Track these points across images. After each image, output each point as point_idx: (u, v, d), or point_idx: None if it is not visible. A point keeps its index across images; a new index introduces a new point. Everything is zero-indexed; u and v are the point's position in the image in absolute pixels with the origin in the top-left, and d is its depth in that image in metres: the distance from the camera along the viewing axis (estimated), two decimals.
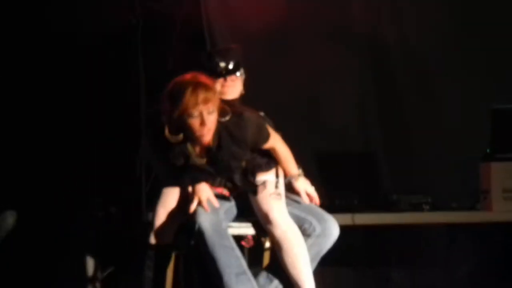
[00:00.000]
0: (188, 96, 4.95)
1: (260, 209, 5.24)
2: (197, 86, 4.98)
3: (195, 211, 5.16)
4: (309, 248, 5.27)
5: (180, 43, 7.61)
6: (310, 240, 5.27)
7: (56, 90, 7.36)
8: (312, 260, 5.29)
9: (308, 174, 6.56)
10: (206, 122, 5.00)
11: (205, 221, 5.10)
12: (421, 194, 7.25)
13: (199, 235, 5.10)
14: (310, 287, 5.19)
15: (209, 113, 5.00)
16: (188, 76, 5.06)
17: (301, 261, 5.16)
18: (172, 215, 5.28)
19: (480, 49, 7.68)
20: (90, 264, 6.49)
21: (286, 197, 5.39)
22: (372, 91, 7.82)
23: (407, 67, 7.78)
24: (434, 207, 7.20)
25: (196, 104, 4.96)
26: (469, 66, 7.66)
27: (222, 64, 5.38)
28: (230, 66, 5.41)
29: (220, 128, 5.15)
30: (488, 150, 7.04)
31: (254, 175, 5.34)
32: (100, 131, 7.34)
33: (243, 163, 5.34)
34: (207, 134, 5.06)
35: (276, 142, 5.41)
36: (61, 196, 6.87)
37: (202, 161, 5.22)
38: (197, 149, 5.20)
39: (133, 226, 7.12)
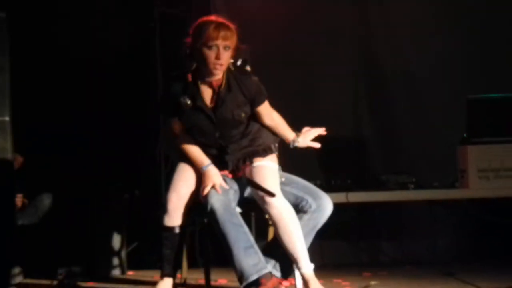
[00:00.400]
0: (211, 30, 5.12)
1: (257, 192, 5.26)
2: (220, 24, 5.15)
3: (200, 191, 5.23)
4: (307, 223, 5.31)
5: None
6: (307, 216, 5.31)
7: (88, 88, 7.35)
8: (309, 232, 5.33)
9: (307, 159, 6.81)
10: (221, 56, 5.09)
11: (216, 202, 5.13)
12: (407, 174, 7.40)
13: (211, 214, 5.12)
14: (304, 259, 5.19)
15: (225, 48, 5.11)
16: (213, 16, 5.24)
17: (296, 237, 5.18)
18: (183, 199, 5.31)
19: (457, 47, 7.75)
20: (117, 239, 6.53)
21: (286, 177, 5.40)
22: (363, 87, 7.92)
23: (394, 65, 7.87)
24: (418, 186, 7.34)
25: (216, 37, 5.10)
26: (448, 62, 7.73)
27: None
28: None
29: (230, 75, 5.24)
30: (464, 135, 7.10)
31: (251, 160, 5.33)
32: (125, 125, 7.32)
33: (243, 116, 5.29)
34: (220, 68, 5.15)
35: (272, 111, 5.42)
36: (94, 181, 6.87)
37: (208, 103, 5.24)
38: (208, 91, 5.26)
39: (153, 206, 7.10)
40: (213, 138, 5.34)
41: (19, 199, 6.80)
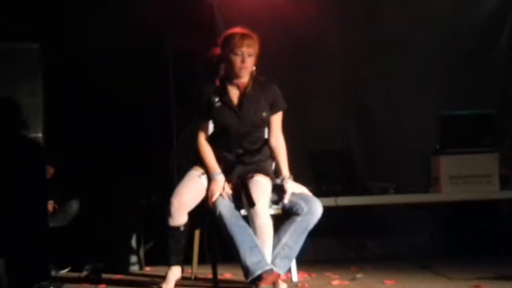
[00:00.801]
0: (237, 39, 5.37)
1: (243, 197, 5.32)
2: (245, 34, 5.38)
3: (209, 197, 5.31)
4: (300, 224, 5.35)
5: (202, 69, 7.26)
6: (300, 218, 5.34)
7: (111, 109, 7.44)
8: (302, 232, 5.36)
9: (300, 167, 6.61)
10: (245, 61, 5.33)
11: (224, 208, 5.24)
12: (388, 181, 7.36)
13: (220, 218, 5.21)
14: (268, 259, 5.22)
15: (249, 55, 5.35)
16: (239, 28, 5.43)
17: (267, 245, 5.22)
18: (184, 204, 5.40)
19: (431, 71, 7.79)
20: (136, 239, 6.56)
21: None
22: (350, 107, 7.88)
23: (376, 88, 7.84)
24: (398, 191, 7.30)
25: (241, 45, 5.34)
26: (423, 84, 7.75)
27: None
28: None
29: (255, 80, 5.44)
30: (437, 147, 7.13)
31: (252, 174, 5.41)
32: (142, 141, 7.41)
33: (264, 115, 5.43)
34: (245, 71, 5.37)
35: (280, 131, 5.54)
36: (115, 189, 6.95)
37: (235, 101, 5.42)
38: (235, 91, 5.45)
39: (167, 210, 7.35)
40: (236, 135, 5.44)
41: (50, 205, 6.90)
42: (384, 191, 7.35)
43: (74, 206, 6.96)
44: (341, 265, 6.49)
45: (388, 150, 7.79)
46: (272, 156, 5.62)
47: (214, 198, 5.30)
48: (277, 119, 5.54)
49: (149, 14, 7.43)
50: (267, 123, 5.53)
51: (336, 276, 5.81)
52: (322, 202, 5.49)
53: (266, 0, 7.64)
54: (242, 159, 5.48)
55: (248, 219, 5.32)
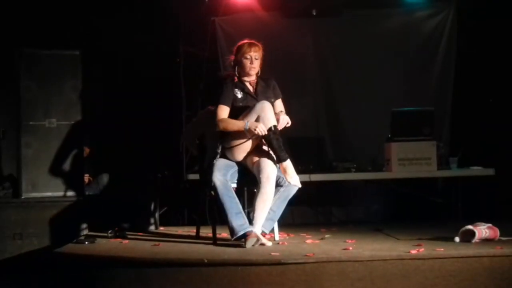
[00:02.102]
0: (246, 47, 5.38)
1: (265, 167, 5.20)
2: (252, 43, 5.39)
3: (212, 174, 5.18)
4: (282, 193, 5.30)
5: (206, 72, 7.63)
6: (282, 188, 5.30)
7: (135, 103, 7.40)
8: (284, 200, 5.32)
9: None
10: (253, 62, 5.37)
11: (217, 180, 5.15)
12: (350, 162, 7.34)
13: (214, 189, 5.16)
14: (260, 222, 5.17)
15: (256, 58, 5.38)
16: (247, 39, 5.43)
17: (266, 206, 5.19)
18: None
19: (385, 74, 7.76)
20: (153, 205, 6.49)
21: None
22: (321, 101, 7.90)
23: (342, 87, 7.87)
24: (358, 170, 7.29)
25: (249, 51, 5.37)
26: (380, 86, 7.73)
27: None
28: None
29: (260, 78, 5.46)
30: (389, 136, 7.10)
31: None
32: (159, 128, 7.35)
33: (272, 101, 5.38)
34: (253, 71, 5.39)
35: (283, 109, 5.49)
36: (139, 166, 6.95)
37: (251, 89, 5.41)
38: (249, 86, 5.42)
39: (177, 182, 7.26)
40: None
41: (86, 177, 6.88)
42: (347, 170, 7.30)
43: (105, 178, 6.96)
44: (313, 227, 6.41)
45: (351, 137, 7.80)
46: None
47: (261, 132, 5.18)
48: (279, 103, 5.54)
49: (167, 28, 7.50)
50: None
51: (309, 236, 5.74)
52: (299, 178, 5.39)
53: (258, 20, 7.64)
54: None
55: (257, 185, 5.23)
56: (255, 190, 5.27)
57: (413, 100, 7.51)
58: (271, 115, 5.24)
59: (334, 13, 7.86)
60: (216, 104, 5.39)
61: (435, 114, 7.22)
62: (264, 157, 5.29)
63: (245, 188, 6.17)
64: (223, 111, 5.35)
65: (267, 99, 5.37)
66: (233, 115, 5.36)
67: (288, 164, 5.29)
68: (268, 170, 5.22)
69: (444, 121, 7.73)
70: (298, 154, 7.16)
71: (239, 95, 5.40)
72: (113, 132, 7.35)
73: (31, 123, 6.33)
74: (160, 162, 7.16)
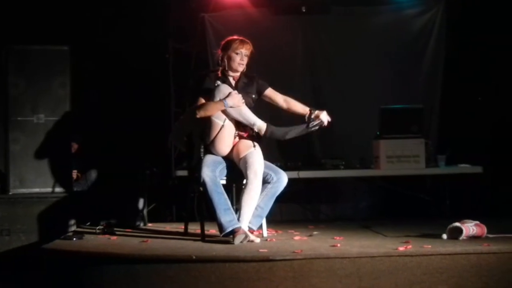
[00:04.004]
0: (237, 42, 5.33)
1: (253, 163, 5.20)
2: (244, 40, 5.37)
3: (201, 169, 5.15)
4: (269, 190, 5.28)
5: (195, 68, 7.63)
6: (270, 185, 5.28)
7: (124, 100, 7.41)
8: (271, 197, 5.30)
9: (271, 148, 6.69)
10: (243, 59, 5.35)
11: (206, 176, 5.12)
12: (339, 159, 7.35)
13: (203, 184, 5.12)
14: (247, 218, 5.17)
15: (246, 55, 5.36)
16: (235, 36, 5.39)
17: (253, 203, 5.20)
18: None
19: (375, 75, 7.79)
20: (141, 201, 6.45)
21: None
22: (310, 99, 7.50)
23: (331, 86, 7.84)
24: (346, 167, 7.32)
25: (242, 47, 5.34)
26: (369, 84, 7.73)
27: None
28: None
29: (243, 74, 5.42)
30: (377, 133, 7.10)
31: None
32: (148, 125, 7.34)
33: (253, 97, 5.41)
34: (241, 67, 5.37)
35: (279, 94, 5.51)
36: (128, 162, 6.85)
37: (232, 84, 5.36)
38: (232, 78, 5.40)
39: (166, 179, 7.28)
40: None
41: (74, 173, 6.88)
42: (335, 167, 7.32)
43: (93, 174, 6.94)
44: (301, 224, 6.39)
45: (340, 134, 7.72)
46: (291, 111, 5.58)
47: (242, 106, 5.24)
48: (271, 91, 5.52)
49: (156, 24, 7.51)
50: (255, 104, 5.48)
51: (297, 233, 5.74)
52: (287, 174, 5.41)
53: (247, 16, 7.66)
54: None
55: (245, 180, 5.24)
56: (243, 187, 5.27)
57: (402, 98, 7.54)
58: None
59: (323, 10, 7.86)
60: (196, 96, 5.36)
61: (423, 112, 7.24)
62: (251, 152, 5.28)
63: (234, 185, 6.13)
64: (201, 100, 5.33)
65: (248, 94, 5.39)
66: None
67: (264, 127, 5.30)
68: (256, 165, 5.22)
69: (432, 118, 7.74)
70: (287, 151, 7.38)
71: (220, 84, 5.35)
72: (102, 128, 7.36)
73: (19, 118, 6.34)
74: (148, 158, 7.13)
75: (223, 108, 5.22)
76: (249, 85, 5.46)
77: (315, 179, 7.26)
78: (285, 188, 5.36)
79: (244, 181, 5.26)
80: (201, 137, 5.40)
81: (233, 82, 5.45)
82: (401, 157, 7.05)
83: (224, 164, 5.37)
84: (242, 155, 5.31)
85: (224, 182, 5.37)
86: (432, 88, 7.88)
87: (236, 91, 5.27)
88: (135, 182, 6.55)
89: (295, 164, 7.16)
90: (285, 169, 5.62)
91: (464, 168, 7.19)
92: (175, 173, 7.18)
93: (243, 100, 5.25)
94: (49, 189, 6.31)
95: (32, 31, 6.92)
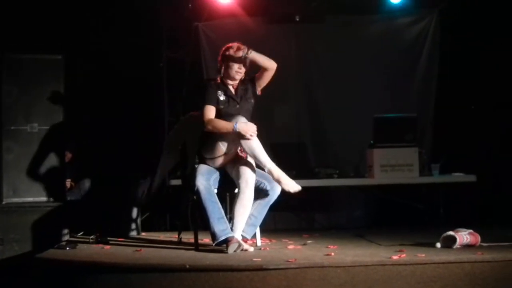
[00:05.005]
0: (235, 50, 5.29)
1: (244, 172, 5.19)
2: (239, 46, 5.31)
3: (195, 178, 5.18)
4: (263, 198, 5.28)
5: (189, 77, 7.65)
6: (263, 194, 5.27)
7: (118, 109, 7.37)
8: (265, 205, 5.31)
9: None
10: (241, 67, 5.30)
11: (201, 185, 5.14)
12: (332, 168, 7.39)
13: (197, 193, 5.14)
14: (240, 227, 5.18)
15: (244, 64, 5.30)
16: (236, 43, 5.35)
17: (246, 212, 5.20)
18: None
19: (368, 81, 7.79)
20: (135, 211, 6.47)
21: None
22: (304, 110, 7.88)
23: (325, 96, 7.88)
24: (340, 176, 7.33)
25: (240, 54, 5.27)
26: (362, 93, 7.75)
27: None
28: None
29: (241, 81, 5.37)
30: (371, 142, 7.12)
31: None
32: (143, 135, 7.32)
33: (252, 102, 5.40)
34: (239, 74, 5.31)
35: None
36: (121, 171, 6.87)
37: (233, 92, 5.33)
38: (232, 86, 5.36)
39: (160, 188, 7.16)
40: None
41: (68, 182, 6.88)
42: (329, 176, 7.34)
43: (86, 183, 6.91)
44: (295, 233, 6.43)
45: (333, 143, 7.83)
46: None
47: (251, 137, 5.16)
48: (256, 78, 5.46)
49: (150, 33, 7.48)
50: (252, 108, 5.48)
51: (291, 241, 5.75)
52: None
53: (241, 25, 7.65)
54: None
55: (237, 189, 5.24)
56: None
57: (396, 107, 7.57)
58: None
59: (317, 19, 7.89)
60: (202, 105, 5.32)
61: (417, 121, 7.25)
62: (243, 161, 5.28)
63: (228, 194, 6.14)
64: (210, 111, 5.30)
65: (247, 101, 5.39)
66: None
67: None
68: (247, 175, 5.22)
69: (426, 127, 7.77)
70: (281, 160, 7.11)
71: (222, 97, 5.35)
72: (95, 137, 7.34)
73: (12, 128, 6.32)
74: (142, 168, 7.10)
75: (231, 130, 5.17)
76: (247, 91, 5.44)
77: (309, 188, 7.01)
78: (279, 196, 5.35)
79: (236, 190, 5.27)
80: (199, 148, 5.40)
81: (232, 91, 5.42)
82: (395, 166, 7.07)
83: (218, 173, 5.38)
84: (234, 165, 5.32)
85: (216, 190, 5.35)
86: (426, 97, 7.91)
87: (252, 123, 5.20)
88: (129, 192, 6.53)
89: (289, 173, 6.78)
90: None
91: (458, 176, 7.21)
92: (169, 182, 7.15)
93: (256, 132, 5.19)
94: (43, 198, 6.29)
95: (25, 39, 6.89)
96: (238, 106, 5.36)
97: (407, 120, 7.20)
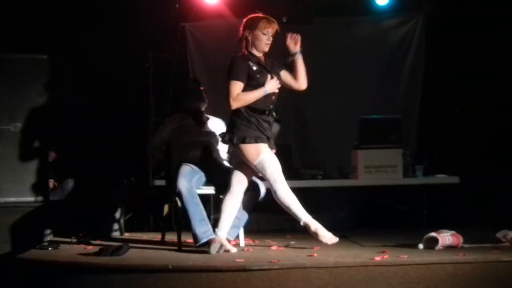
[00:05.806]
0: (265, 21, 5.15)
1: (240, 174, 5.19)
2: (269, 18, 5.20)
3: (177, 180, 5.19)
4: (247, 200, 5.33)
5: (175, 77, 7.70)
6: (247, 195, 5.30)
7: (101, 109, 7.38)
8: (248, 208, 5.40)
9: None
10: (270, 38, 5.14)
11: (182, 187, 5.18)
12: (317, 169, 7.38)
13: (179, 195, 5.18)
14: (225, 228, 5.17)
15: (272, 35, 5.17)
16: (259, 14, 5.21)
17: (235, 208, 5.23)
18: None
19: (353, 83, 7.83)
20: (118, 211, 6.49)
21: None
22: (289, 111, 7.85)
23: (310, 100, 7.74)
24: (325, 177, 7.33)
25: (268, 26, 5.14)
26: (347, 96, 7.79)
27: None
28: None
29: (266, 54, 5.19)
30: (356, 143, 7.14)
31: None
32: (126, 135, 7.27)
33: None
34: (267, 47, 5.14)
35: None
36: (105, 171, 6.87)
37: (262, 60, 5.14)
38: (261, 58, 5.14)
39: (144, 189, 7.22)
40: (270, 94, 5.16)
41: (51, 183, 6.81)
42: (313, 177, 7.34)
43: (70, 184, 6.85)
44: (278, 234, 6.45)
45: (318, 145, 7.86)
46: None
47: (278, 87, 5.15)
48: (286, 73, 5.32)
49: (136, 33, 7.45)
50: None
51: (274, 242, 5.78)
52: (265, 184, 5.39)
53: (228, 26, 7.45)
54: (271, 117, 5.27)
55: (229, 188, 5.24)
56: (221, 197, 5.29)
57: (381, 108, 7.56)
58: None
59: (304, 21, 7.86)
60: (228, 80, 5.07)
61: (402, 122, 7.26)
62: (239, 162, 5.26)
63: (211, 195, 6.15)
64: (238, 87, 5.07)
65: (276, 73, 5.22)
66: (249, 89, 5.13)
67: (316, 225, 5.26)
68: (242, 176, 5.23)
69: (411, 129, 7.79)
70: None
71: (254, 67, 5.12)
72: (79, 137, 7.32)
73: None
74: (126, 168, 7.10)
75: (263, 95, 5.09)
76: (274, 66, 5.27)
77: (293, 189, 6.94)
78: (263, 197, 5.43)
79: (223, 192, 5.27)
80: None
81: (262, 62, 5.24)
82: (379, 167, 7.08)
83: (200, 174, 5.40)
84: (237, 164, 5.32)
85: (200, 192, 5.36)
86: (411, 99, 7.95)
87: (273, 79, 5.13)
88: (112, 192, 6.53)
89: None
90: (264, 179, 5.53)
91: (442, 178, 7.24)
92: (153, 183, 7.14)
93: (279, 85, 5.14)
94: (25, 198, 6.24)
95: (10, 39, 6.85)
96: (269, 76, 5.19)
97: (392, 121, 7.21)
